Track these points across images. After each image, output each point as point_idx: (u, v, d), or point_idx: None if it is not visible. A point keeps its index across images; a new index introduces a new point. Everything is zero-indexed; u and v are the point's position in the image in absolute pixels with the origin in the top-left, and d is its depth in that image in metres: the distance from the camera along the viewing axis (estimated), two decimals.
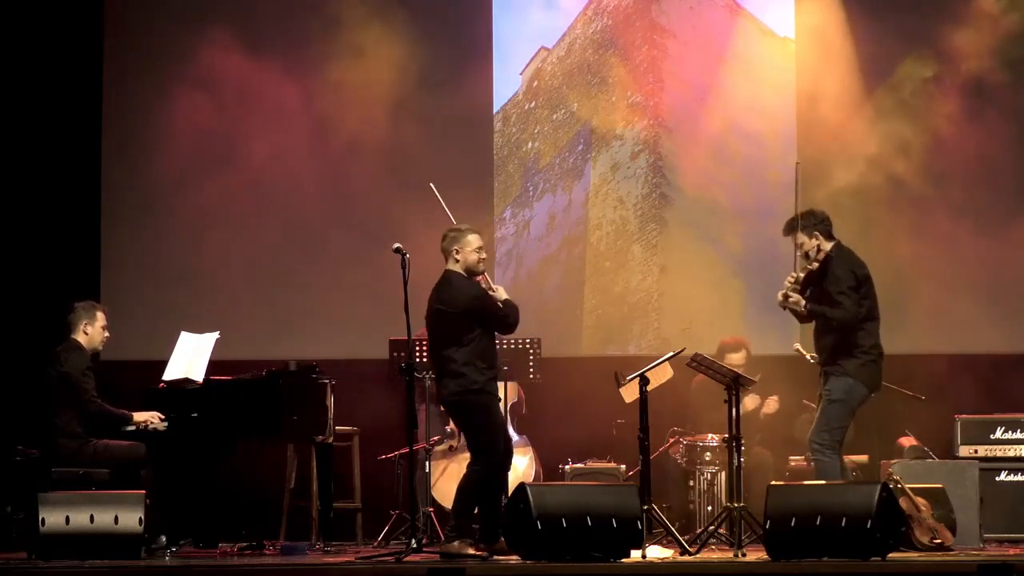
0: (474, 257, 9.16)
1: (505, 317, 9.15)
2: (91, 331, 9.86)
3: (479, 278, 9.27)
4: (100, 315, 9.93)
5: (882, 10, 11.88)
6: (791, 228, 9.39)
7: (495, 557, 8.87)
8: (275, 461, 10.99)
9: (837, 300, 9.20)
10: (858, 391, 9.24)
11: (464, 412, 9.20)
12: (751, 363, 10.68)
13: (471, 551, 8.90)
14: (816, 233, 9.33)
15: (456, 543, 8.95)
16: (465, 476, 9.12)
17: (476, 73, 12.10)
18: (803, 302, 9.27)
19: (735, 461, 9.28)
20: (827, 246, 9.34)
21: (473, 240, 9.19)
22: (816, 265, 9.33)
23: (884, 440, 10.76)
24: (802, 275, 9.36)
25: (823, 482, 9.08)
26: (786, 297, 9.30)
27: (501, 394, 9.40)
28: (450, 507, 10.57)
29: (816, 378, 10.31)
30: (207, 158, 11.89)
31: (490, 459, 9.06)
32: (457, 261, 9.15)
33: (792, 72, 11.99)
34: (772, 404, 10.84)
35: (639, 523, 8.65)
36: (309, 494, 10.57)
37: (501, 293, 9.25)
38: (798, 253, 9.39)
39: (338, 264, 11.94)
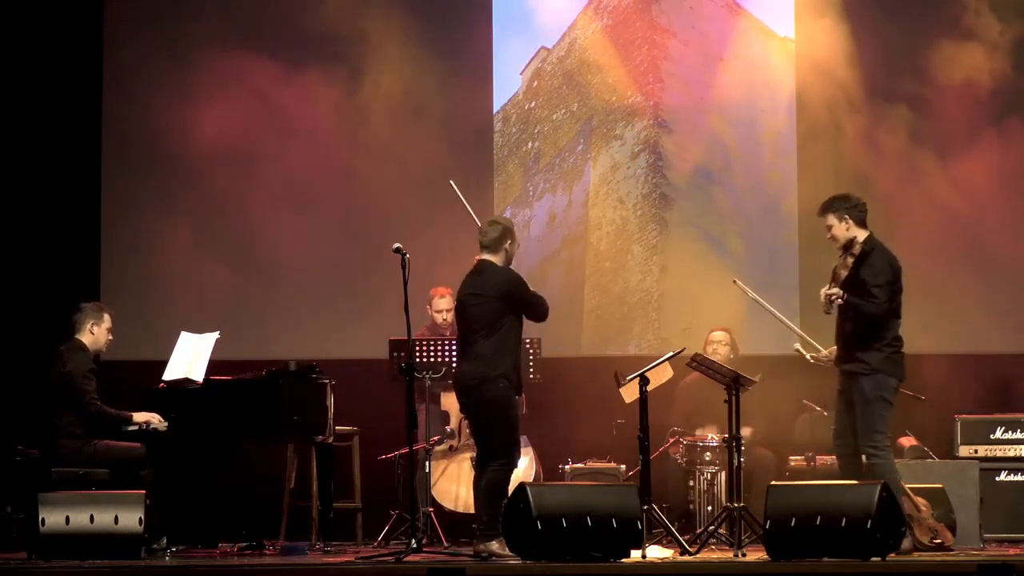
0: (516, 250, 9.31)
1: (539, 303, 9.22)
2: (97, 331, 9.87)
3: None
4: (107, 317, 9.95)
5: (882, 10, 11.88)
6: (824, 209, 9.26)
7: (484, 554, 8.87)
8: (275, 461, 10.99)
9: (872, 292, 9.04)
10: (888, 384, 9.06)
11: (479, 400, 9.10)
12: (734, 348, 10.72)
13: (508, 551, 8.81)
14: (846, 217, 9.17)
15: (495, 543, 8.90)
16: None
17: (476, 73, 12.10)
18: (842, 293, 9.07)
19: (735, 461, 9.28)
20: (860, 235, 9.18)
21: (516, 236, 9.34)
22: (852, 261, 9.17)
23: None
24: (843, 273, 9.18)
25: (823, 482, 9.08)
26: (829, 301, 9.11)
27: None
28: (449, 507, 10.63)
29: (816, 378, 10.33)
30: (207, 158, 11.89)
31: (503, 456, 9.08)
32: (502, 253, 9.18)
33: (792, 72, 11.99)
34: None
35: (639, 523, 8.65)
36: (309, 494, 10.57)
37: None
38: (827, 236, 9.27)
39: (338, 264, 11.94)
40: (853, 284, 9.14)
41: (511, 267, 9.25)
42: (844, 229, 9.20)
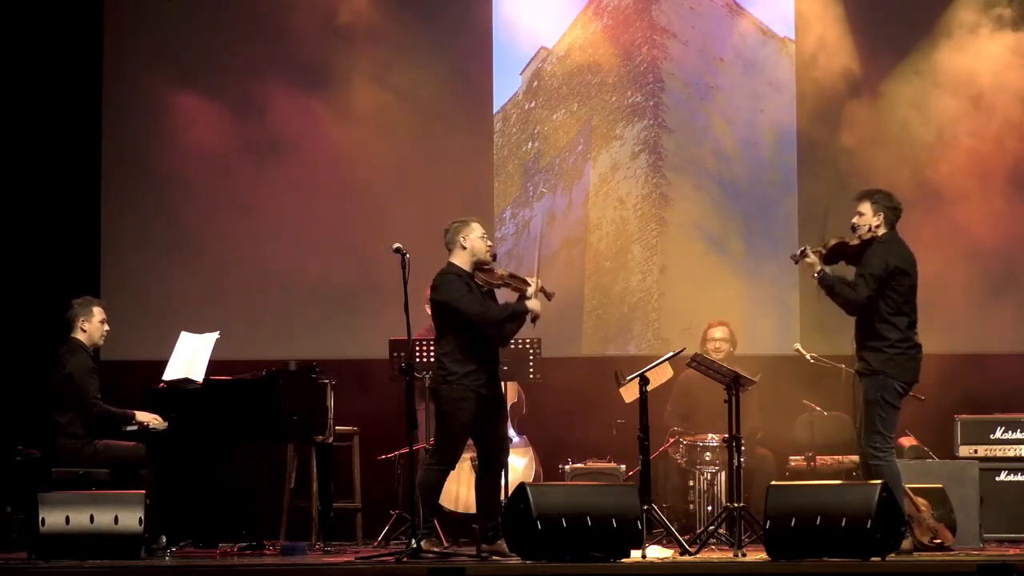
0: (481, 244, 9.05)
1: (473, 311, 8.89)
2: (88, 327, 9.86)
3: (499, 272, 9.12)
4: (96, 309, 9.91)
5: (881, 10, 11.88)
6: (863, 196, 9.12)
7: (494, 557, 8.87)
8: (275, 461, 10.99)
9: (855, 280, 8.99)
10: (889, 386, 8.96)
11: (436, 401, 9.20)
12: (734, 343, 10.73)
13: (436, 549, 8.95)
14: (882, 214, 9.05)
15: (423, 542, 8.90)
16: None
17: (476, 73, 12.11)
18: (819, 265, 9.04)
19: (735, 461, 9.28)
20: (881, 232, 9.08)
21: (477, 227, 9.05)
22: (857, 242, 9.09)
23: None
24: (832, 242, 9.16)
25: (823, 482, 9.05)
26: (803, 253, 9.09)
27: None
28: (449, 507, 10.63)
29: (816, 378, 10.35)
30: (207, 158, 11.90)
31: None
32: (464, 249, 9.02)
33: (792, 72, 11.99)
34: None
35: (639, 523, 8.65)
36: (309, 494, 10.56)
37: (530, 288, 9.03)
38: (854, 219, 9.13)
39: (338, 264, 11.93)
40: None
41: (461, 265, 9.04)
42: (874, 223, 9.07)
